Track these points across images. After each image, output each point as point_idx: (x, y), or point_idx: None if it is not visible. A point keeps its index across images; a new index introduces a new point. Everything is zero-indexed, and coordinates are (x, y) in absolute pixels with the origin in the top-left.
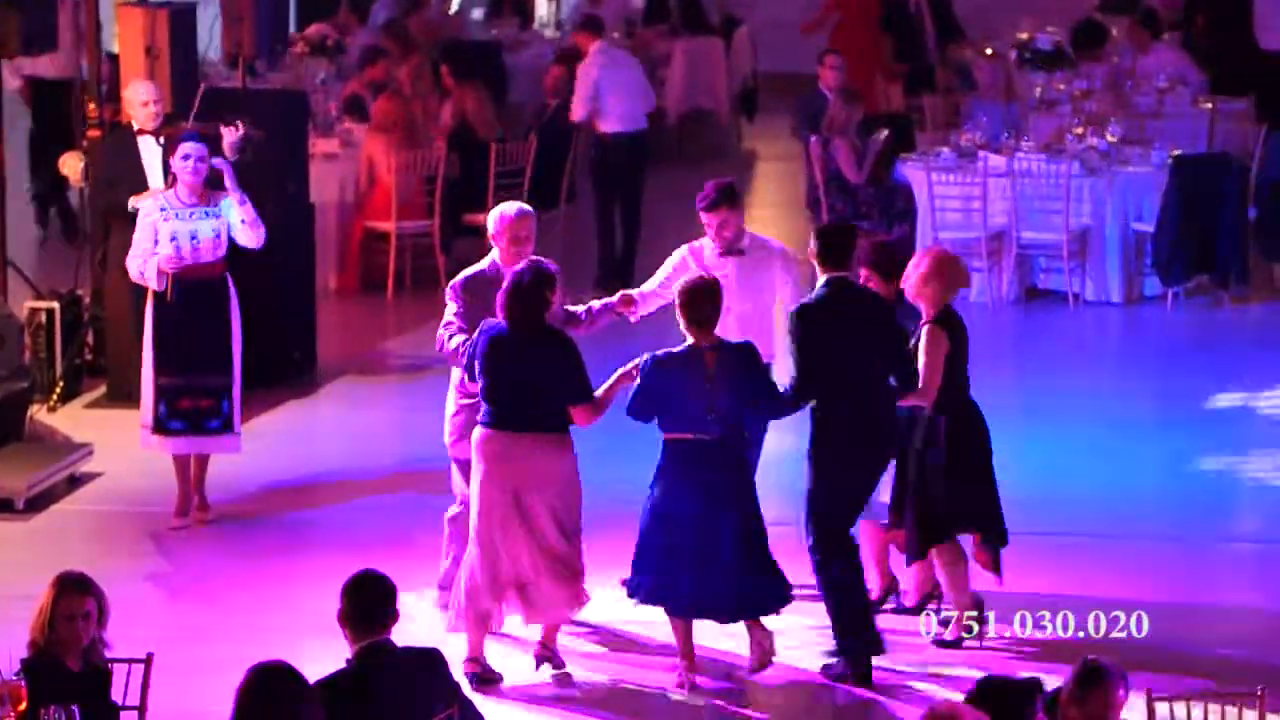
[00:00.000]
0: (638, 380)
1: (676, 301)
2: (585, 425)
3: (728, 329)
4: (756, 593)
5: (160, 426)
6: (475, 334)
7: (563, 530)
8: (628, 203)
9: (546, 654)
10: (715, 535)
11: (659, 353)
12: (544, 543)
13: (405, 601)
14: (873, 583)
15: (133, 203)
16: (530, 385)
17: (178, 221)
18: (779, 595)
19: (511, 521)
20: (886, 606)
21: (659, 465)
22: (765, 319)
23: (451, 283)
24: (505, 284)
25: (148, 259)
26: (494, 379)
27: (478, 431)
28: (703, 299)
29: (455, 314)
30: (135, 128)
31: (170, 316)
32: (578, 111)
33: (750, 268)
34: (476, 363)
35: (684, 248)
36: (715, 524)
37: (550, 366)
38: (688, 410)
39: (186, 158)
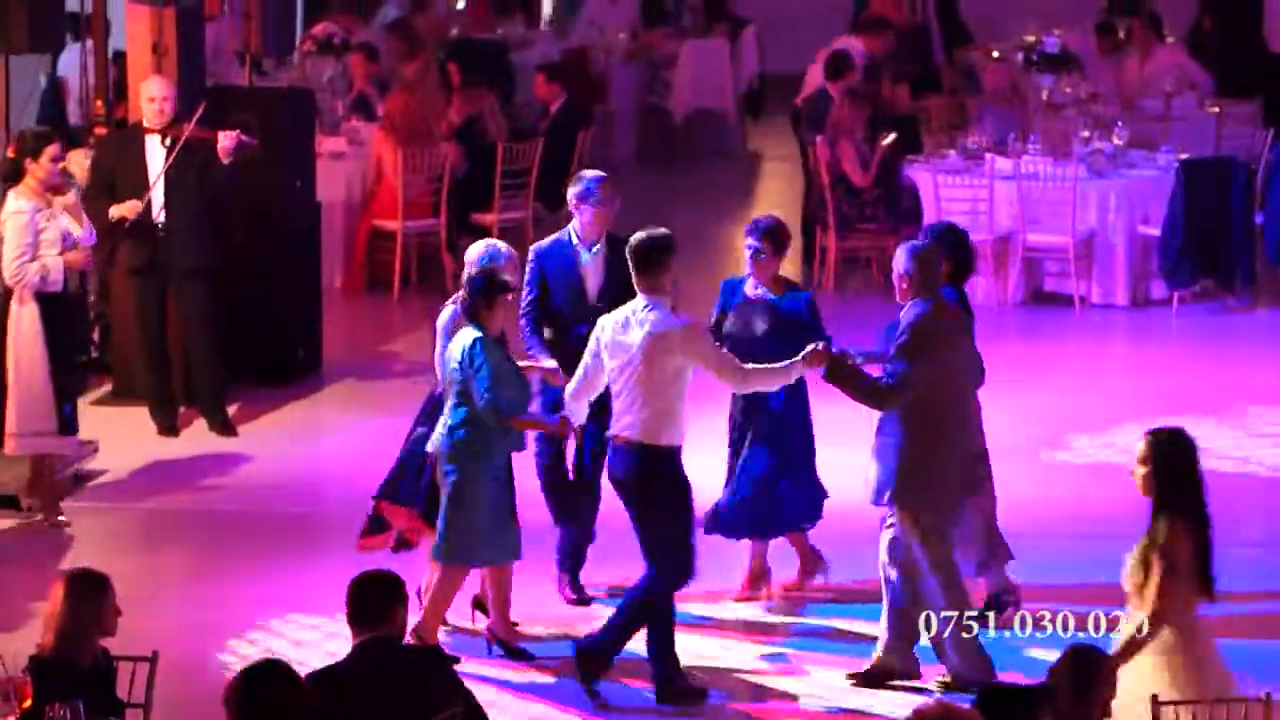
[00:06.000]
0: None
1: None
2: None
3: None
4: None
5: (68, 427)
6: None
7: None
8: None
9: None
10: None
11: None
12: None
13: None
14: None
15: (114, 212)
16: None
17: (56, 220)
18: None
19: None
20: None
21: None
22: None
23: None
24: None
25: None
26: None
27: None
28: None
29: None
30: (145, 125)
31: (68, 312)
32: None
33: None
34: None
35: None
36: None
37: None
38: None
39: (56, 159)
